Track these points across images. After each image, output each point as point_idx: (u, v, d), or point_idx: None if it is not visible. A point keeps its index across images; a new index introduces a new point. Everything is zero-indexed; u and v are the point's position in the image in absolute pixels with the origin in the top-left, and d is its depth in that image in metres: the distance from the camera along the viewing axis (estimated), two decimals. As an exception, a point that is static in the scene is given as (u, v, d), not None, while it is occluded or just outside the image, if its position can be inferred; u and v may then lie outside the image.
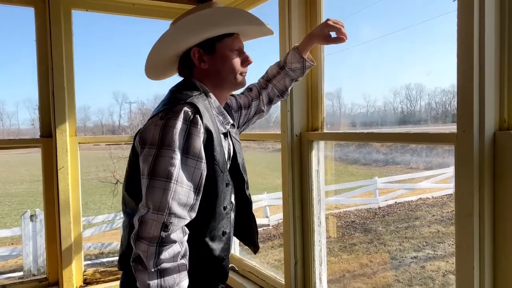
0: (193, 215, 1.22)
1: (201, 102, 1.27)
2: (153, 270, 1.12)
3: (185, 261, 1.19)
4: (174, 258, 1.16)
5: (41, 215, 7.53)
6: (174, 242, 1.15)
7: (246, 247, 1.64)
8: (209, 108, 1.31)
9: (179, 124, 1.18)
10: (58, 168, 2.20)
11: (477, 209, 1.18)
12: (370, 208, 9.92)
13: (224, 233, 1.37)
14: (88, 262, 7.78)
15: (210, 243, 1.32)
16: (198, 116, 1.21)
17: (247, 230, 1.57)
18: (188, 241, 1.22)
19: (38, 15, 2.22)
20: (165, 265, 1.14)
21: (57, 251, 2.26)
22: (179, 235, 1.17)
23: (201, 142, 1.21)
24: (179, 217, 1.16)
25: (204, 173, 1.23)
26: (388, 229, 8.39)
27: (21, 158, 23.43)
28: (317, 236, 1.96)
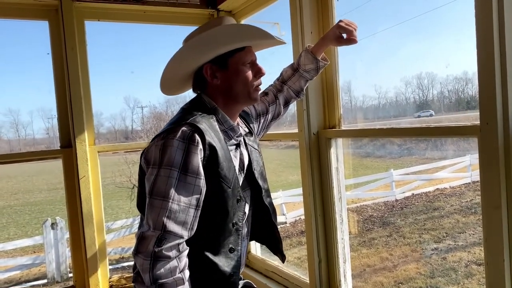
0: (193, 232, 1.23)
1: (204, 121, 1.28)
2: (149, 285, 1.15)
3: (182, 275, 1.19)
4: (171, 273, 1.17)
5: (61, 223, 7.66)
6: (168, 257, 1.16)
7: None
8: (215, 125, 1.32)
9: (177, 142, 1.20)
10: (80, 178, 2.24)
11: (504, 201, 1.17)
12: (387, 201, 9.85)
13: (231, 250, 1.36)
14: (110, 267, 7.87)
15: (212, 258, 1.32)
16: (196, 134, 1.22)
17: (269, 239, 1.56)
18: (189, 254, 1.23)
19: (53, 28, 2.26)
20: (161, 280, 1.15)
21: (82, 259, 2.30)
22: (174, 251, 1.18)
23: (200, 159, 1.22)
24: (174, 234, 1.17)
25: (204, 190, 1.24)
26: (406, 221, 8.31)
27: (38, 167, 23.80)
28: (339, 233, 1.95)
